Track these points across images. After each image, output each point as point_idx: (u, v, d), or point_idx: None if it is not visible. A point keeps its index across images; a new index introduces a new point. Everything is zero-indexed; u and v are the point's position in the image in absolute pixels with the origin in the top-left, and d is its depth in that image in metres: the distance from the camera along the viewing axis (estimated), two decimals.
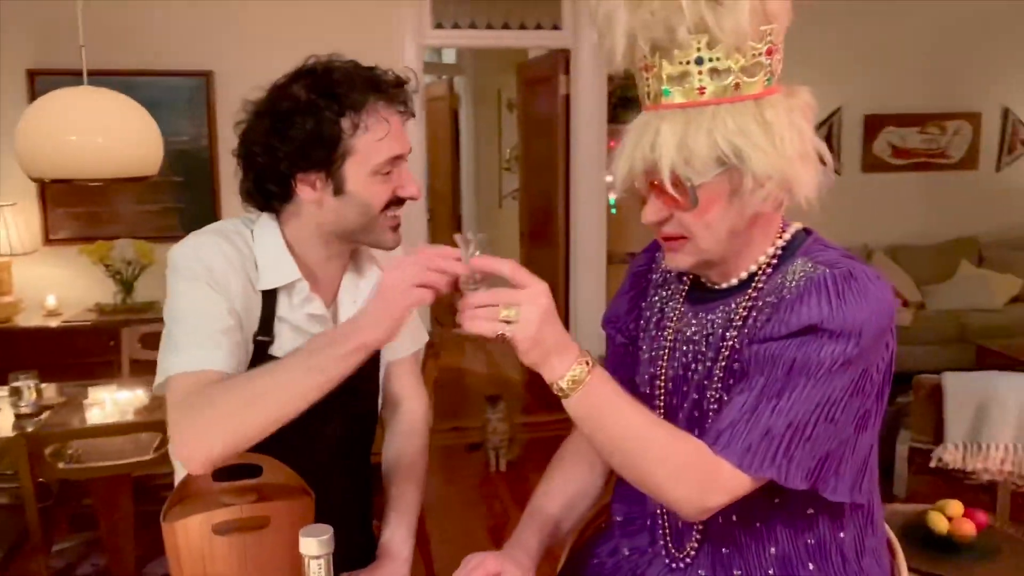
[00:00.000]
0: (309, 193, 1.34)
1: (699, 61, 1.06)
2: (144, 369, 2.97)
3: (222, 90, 4.26)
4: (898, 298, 5.52)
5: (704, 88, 1.06)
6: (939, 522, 2.19)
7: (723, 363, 1.17)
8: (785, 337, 1.07)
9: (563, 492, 1.36)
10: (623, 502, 1.39)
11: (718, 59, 1.06)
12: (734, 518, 1.19)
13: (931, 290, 5.69)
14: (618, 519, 1.38)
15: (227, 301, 1.29)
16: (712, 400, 1.18)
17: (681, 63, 1.07)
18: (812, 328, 1.06)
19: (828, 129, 6.00)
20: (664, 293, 1.32)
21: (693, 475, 1.07)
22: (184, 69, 4.27)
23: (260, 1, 4.29)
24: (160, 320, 1.33)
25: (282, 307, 1.39)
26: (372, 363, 1.53)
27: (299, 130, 1.29)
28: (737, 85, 1.07)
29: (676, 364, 1.25)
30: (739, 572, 1.20)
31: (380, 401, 1.59)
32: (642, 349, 1.32)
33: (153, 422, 2.59)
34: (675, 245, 1.16)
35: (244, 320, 1.33)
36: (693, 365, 1.22)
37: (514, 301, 1.02)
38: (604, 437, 1.09)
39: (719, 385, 1.17)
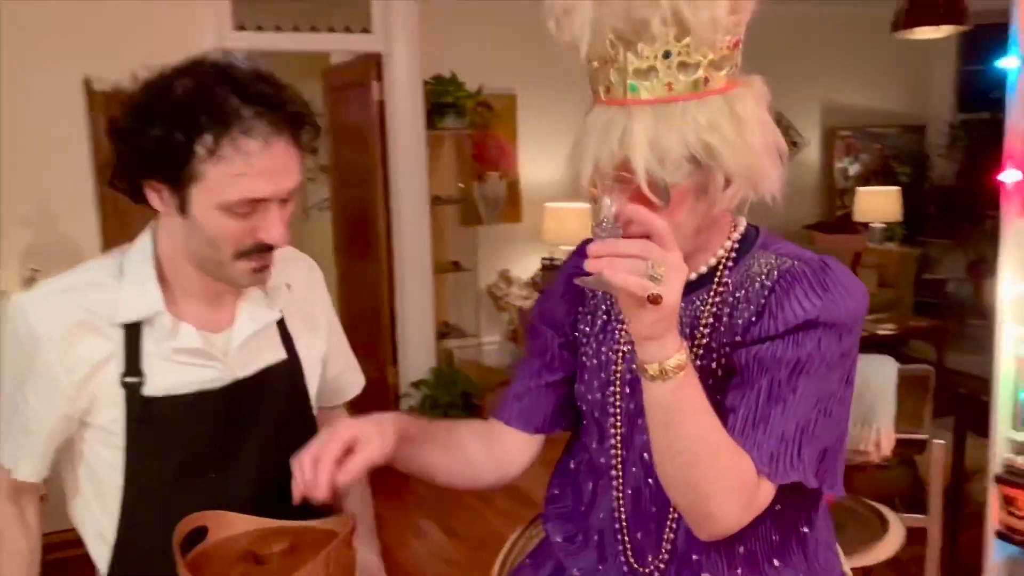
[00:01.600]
0: (156, 201, 1.17)
1: (667, 55, 1.01)
2: None
3: None
4: None
5: (672, 84, 1.02)
6: None
7: (699, 363, 1.13)
8: (782, 335, 1.05)
9: (449, 449, 1.28)
10: (559, 520, 1.31)
11: (687, 52, 1.01)
12: None
13: None
14: (558, 539, 1.29)
15: (58, 390, 1.18)
16: None
17: (648, 57, 1.01)
18: (809, 324, 1.05)
19: None
20: (605, 294, 1.25)
21: (743, 493, 1.03)
22: None
23: None
24: None
25: (147, 342, 1.20)
26: (300, 410, 1.34)
27: (146, 136, 1.11)
28: (706, 79, 1.03)
29: (635, 366, 1.17)
30: (707, 575, 1.16)
31: None
32: (586, 355, 1.25)
33: None
34: None
35: (87, 376, 1.19)
36: None
37: (664, 259, 0.91)
38: (678, 434, 1.00)
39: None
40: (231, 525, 1.08)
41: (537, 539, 1.46)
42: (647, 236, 0.93)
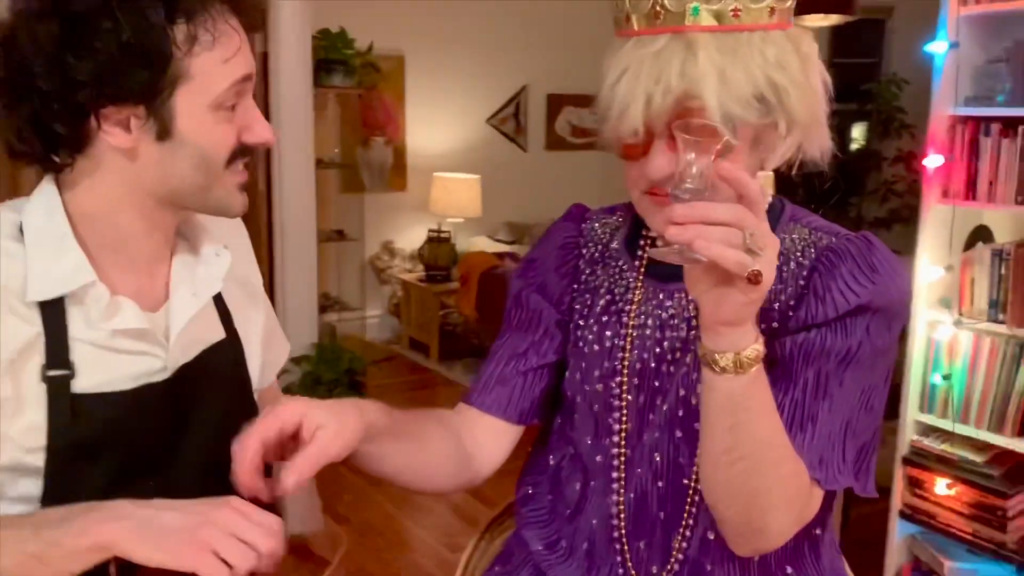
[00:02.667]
0: (120, 137, 0.90)
1: None
2: None
3: None
4: None
5: (739, 10, 0.88)
6: None
7: None
8: (830, 323, 0.94)
9: (419, 447, 1.06)
10: (536, 526, 1.15)
11: None
12: (711, 536, 1.02)
13: None
14: (538, 548, 1.13)
15: None
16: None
17: None
18: (860, 309, 0.93)
19: (515, 107, 6.13)
20: (607, 271, 1.11)
21: (798, 503, 0.92)
22: None
23: None
24: None
25: (75, 324, 0.93)
26: (242, 395, 1.10)
27: (107, 41, 0.85)
28: (772, 10, 0.90)
29: (647, 354, 1.03)
30: None
31: None
32: (584, 340, 1.09)
33: None
34: None
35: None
36: (675, 354, 1.02)
37: (762, 229, 0.77)
38: (743, 437, 0.86)
39: None
40: None
41: (498, 541, 1.30)
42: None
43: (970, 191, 2.37)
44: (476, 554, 1.27)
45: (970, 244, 2.44)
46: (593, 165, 6.49)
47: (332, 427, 0.87)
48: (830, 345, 0.93)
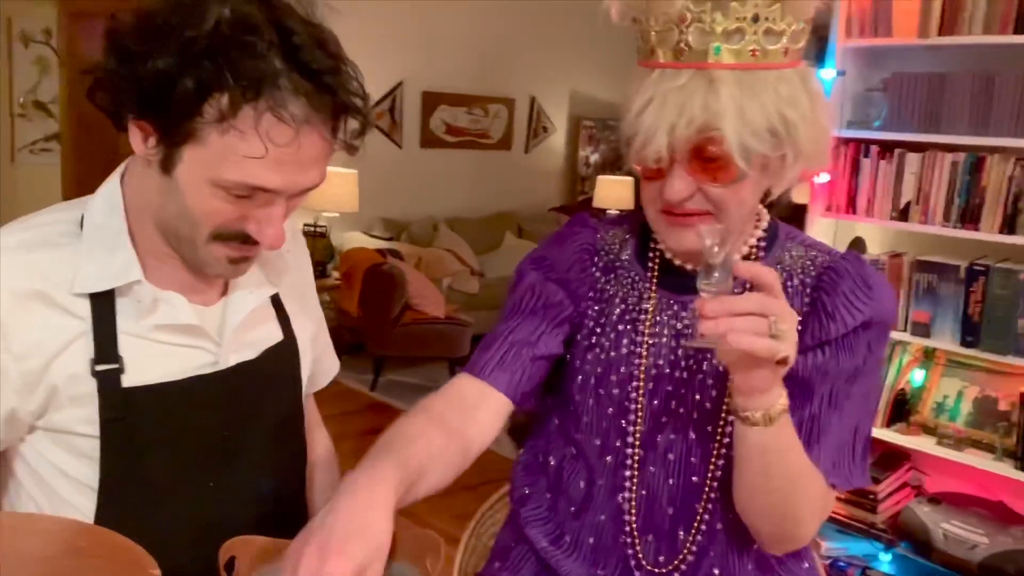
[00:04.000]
0: (138, 143, 0.88)
1: (755, 19, 0.96)
2: None
3: None
4: (466, 266, 5.88)
5: (757, 51, 0.96)
6: None
7: None
8: (839, 339, 1.04)
9: (428, 445, 1.01)
10: (539, 523, 1.20)
11: (775, 19, 0.97)
12: (719, 526, 1.11)
13: (485, 259, 6.17)
14: (543, 544, 1.18)
15: (4, 383, 0.88)
16: (728, 399, 1.06)
17: (738, 18, 0.95)
18: (864, 326, 1.04)
19: (391, 103, 6.09)
20: (620, 281, 1.16)
21: (824, 510, 1.03)
22: None
23: None
24: None
25: (124, 318, 0.92)
26: (297, 400, 1.08)
27: (149, 64, 0.82)
28: (786, 51, 0.99)
29: (662, 360, 1.11)
30: (717, 571, 1.13)
31: None
32: (600, 346, 1.14)
33: None
34: (692, 222, 1.02)
35: (44, 363, 0.89)
36: (690, 361, 1.10)
37: (785, 313, 0.84)
38: (777, 472, 0.96)
39: None
40: (261, 551, 0.83)
41: (487, 536, 1.35)
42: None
43: (850, 206, 2.62)
44: (467, 553, 1.31)
45: None
46: (466, 163, 6.57)
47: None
48: (841, 363, 1.03)
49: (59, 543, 0.82)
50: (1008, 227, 2.35)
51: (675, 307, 1.12)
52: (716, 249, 0.87)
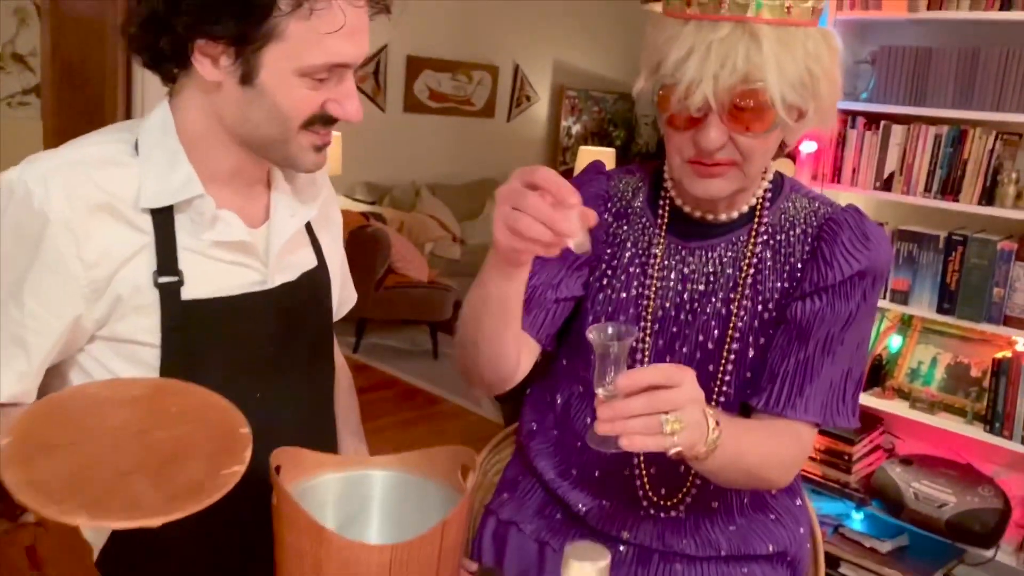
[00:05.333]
0: (208, 70, 0.94)
1: None
2: None
3: None
4: (448, 232, 5.90)
5: (791, 7, 1.01)
6: None
7: (746, 303, 1.14)
8: (835, 286, 1.10)
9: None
10: (546, 456, 1.26)
11: None
12: None
13: (467, 226, 6.19)
14: (551, 476, 1.25)
15: (72, 288, 0.93)
16: (733, 341, 1.13)
17: None
18: (860, 274, 1.11)
19: (375, 66, 6.07)
20: (632, 226, 1.21)
21: (796, 461, 1.14)
22: None
23: None
24: None
25: (183, 234, 0.97)
26: (329, 322, 1.13)
27: None
28: (813, 10, 1.04)
29: (668, 303, 1.17)
30: (716, 503, 1.20)
31: None
32: (612, 287, 1.19)
33: None
34: (720, 171, 1.08)
35: (110, 273, 0.95)
36: (695, 305, 1.16)
37: (676, 405, 0.87)
38: (736, 468, 1.03)
39: (742, 325, 1.13)
40: (303, 464, 0.88)
41: (493, 472, 1.40)
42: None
43: (835, 176, 2.69)
44: (473, 490, 1.36)
45: None
46: (449, 130, 6.56)
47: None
48: (837, 309, 1.10)
49: (150, 410, 0.85)
50: (987, 199, 2.43)
51: (683, 252, 1.17)
52: (613, 345, 0.88)
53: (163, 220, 0.96)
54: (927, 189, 2.53)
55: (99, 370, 0.98)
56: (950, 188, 2.49)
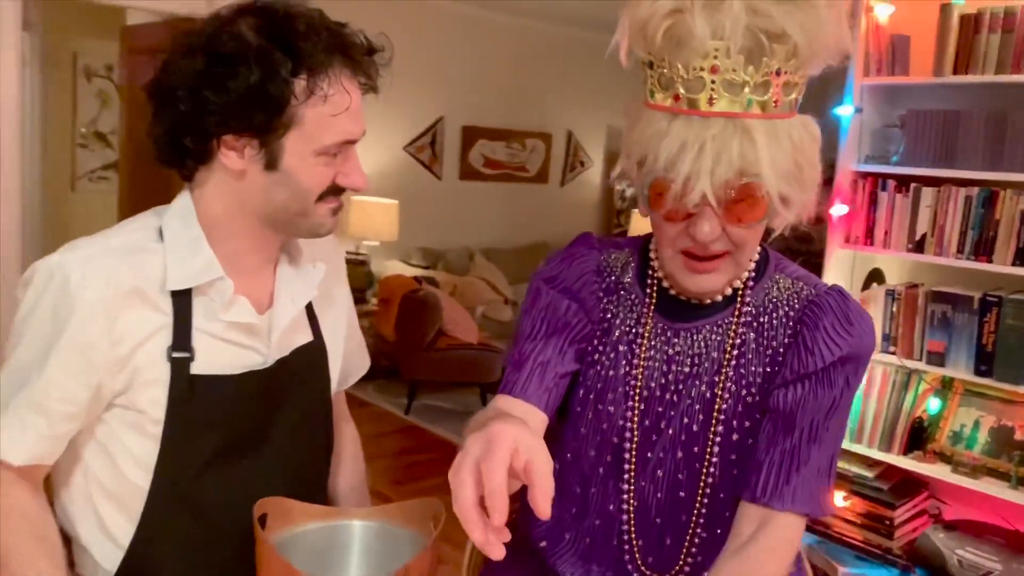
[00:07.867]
0: (234, 161, 1.06)
1: (778, 73, 1.01)
2: None
3: None
4: (500, 295, 6.00)
5: (779, 101, 1.02)
6: None
7: (730, 386, 1.16)
8: (819, 373, 1.11)
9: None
10: (535, 525, 1.28)
11: (793, 72, 1.02)
12: (719, 531, 1.18)
13: (519, 289, 6.29)
14: (543, 544, 1.27)
15: (97, 363, 1.03)
16: (719, 423, 1.15)
17: (766, 72, 1.01)
18: (842, 360, 1.11)
19: (432, 137, 6.29)
20: (621, 303, 1.22)
21: (788, 557, 1.12)
22: None
23: None
24: None
25: (198, 315, 1.07)
26: (323, 395, 1.23)
27: (241, 82, 1.00)
28: (795, 101, 1.06)
29: (653, 384, 1.18)
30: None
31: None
32: (602, 364, 1.21)
33: None
34: (714, 266, 1.10)
35: (132, 349, 1.05)
36: (680, 386, 1.18)
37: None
38: None
39: (727, 408, 1.15)
40: (290, 514, 0.97)
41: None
42: None
43: (868, 238, 2.70)
44: (473, 553, 1.40)
45: (866, 285, 2.77)
46: (503, 196, 6.73)
47: (541, 455, 0.78)
48: (819, 397, 1.10)
49: None
50: (1020, 259, 2.41)
51: (668, 333, 1.18)
52: None
53: (182, 302, 1.06)
54: (959, 250, 2.52)
55: (111, 438, 1.07)
56: (983, 249, 2.48)
